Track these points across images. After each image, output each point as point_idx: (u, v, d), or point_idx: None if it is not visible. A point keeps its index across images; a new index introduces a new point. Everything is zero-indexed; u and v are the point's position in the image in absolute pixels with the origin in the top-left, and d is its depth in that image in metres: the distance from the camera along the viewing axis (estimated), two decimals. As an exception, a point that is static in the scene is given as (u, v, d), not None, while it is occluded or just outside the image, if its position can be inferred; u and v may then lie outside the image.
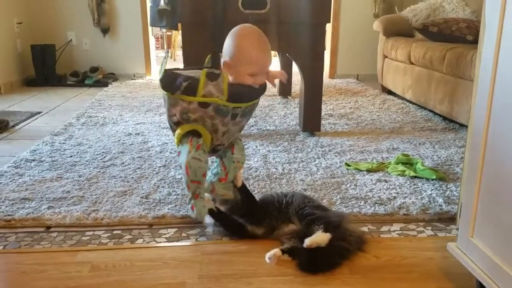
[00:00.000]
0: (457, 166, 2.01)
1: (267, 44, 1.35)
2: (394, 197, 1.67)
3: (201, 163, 1.30)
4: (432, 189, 1.75)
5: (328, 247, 1.24)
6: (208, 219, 1.45)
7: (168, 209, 1.56)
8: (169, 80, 1.31)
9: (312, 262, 1.22)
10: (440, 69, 2.84)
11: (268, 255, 1.26)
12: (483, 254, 1.01)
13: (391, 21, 3.85)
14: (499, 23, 0.95)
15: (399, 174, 1.90)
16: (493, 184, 0.98)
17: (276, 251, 1.27)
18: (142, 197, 1.66)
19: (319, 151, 2.24)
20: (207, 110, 1.30)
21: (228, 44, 1.34)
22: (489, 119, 0.99)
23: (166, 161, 2.08)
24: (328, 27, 4.76)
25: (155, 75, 4.88)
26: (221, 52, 1.37)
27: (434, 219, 1.53)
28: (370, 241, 1.39)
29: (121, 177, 1.87)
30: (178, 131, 1.34)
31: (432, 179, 1.84)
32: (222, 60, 1.35)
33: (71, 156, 2.15)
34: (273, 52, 1.55)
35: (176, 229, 1.46)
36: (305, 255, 1.23)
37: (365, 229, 1.47)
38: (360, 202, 1.63)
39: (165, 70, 1.32)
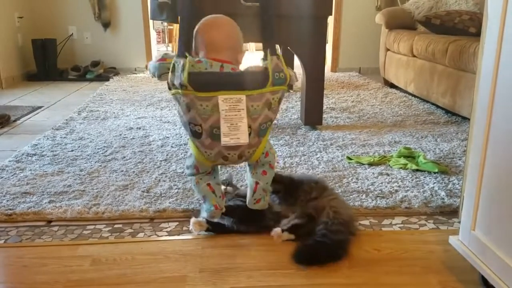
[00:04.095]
0: (459, 159, 2.00)
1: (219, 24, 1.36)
2: (396, 191, 1.67)
3: None
4: (434, 182, 1.74)
5: (325, 241, 1.24)
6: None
7: (169, 203, 1.56)
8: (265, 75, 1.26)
9: (310, 254, 1.22)
10: (443, 62, 2.82)
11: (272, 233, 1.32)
12: (485, 247, 1.00)
13: (394, 14, 3.83)
14: (502, 15, 0.93)
15: (401, 168, 1.89)
16: (495, 177, 0.97)
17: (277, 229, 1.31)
18: (143, 191, 1.66)
19: (320, 144, 2.23)
20: None
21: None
22: (492, 112, 0.98)
23: (167, 155, 2.07)
24: (330, 20, 4.74)
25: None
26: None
27: (436, 212, 1.53)
28: (372, 234, 1.39)
29: (122, 171, 1.87)
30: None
31: (434, 172, 1.83)
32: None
33: (72, 150, 2.15)
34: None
35: (177, 223, 1.46)
36: (304, 247, 1.24)
37: (366, 222, 1.46)
38: (362, 196, 1.63)
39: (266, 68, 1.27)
